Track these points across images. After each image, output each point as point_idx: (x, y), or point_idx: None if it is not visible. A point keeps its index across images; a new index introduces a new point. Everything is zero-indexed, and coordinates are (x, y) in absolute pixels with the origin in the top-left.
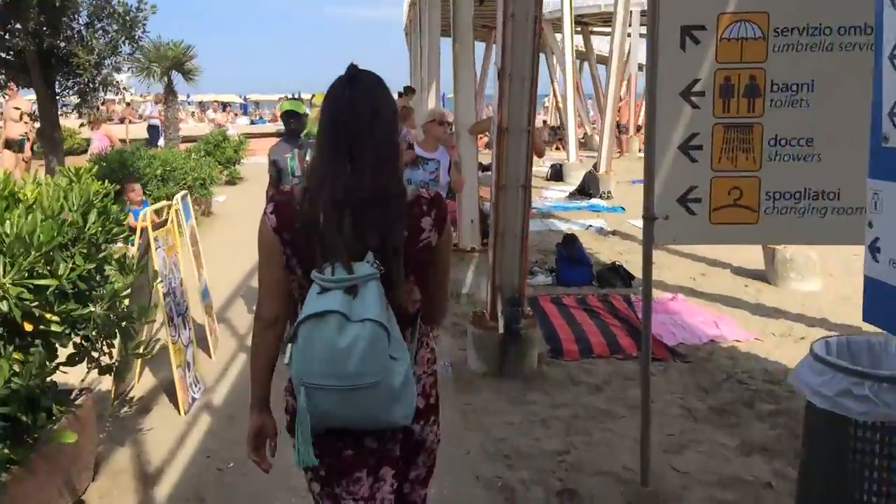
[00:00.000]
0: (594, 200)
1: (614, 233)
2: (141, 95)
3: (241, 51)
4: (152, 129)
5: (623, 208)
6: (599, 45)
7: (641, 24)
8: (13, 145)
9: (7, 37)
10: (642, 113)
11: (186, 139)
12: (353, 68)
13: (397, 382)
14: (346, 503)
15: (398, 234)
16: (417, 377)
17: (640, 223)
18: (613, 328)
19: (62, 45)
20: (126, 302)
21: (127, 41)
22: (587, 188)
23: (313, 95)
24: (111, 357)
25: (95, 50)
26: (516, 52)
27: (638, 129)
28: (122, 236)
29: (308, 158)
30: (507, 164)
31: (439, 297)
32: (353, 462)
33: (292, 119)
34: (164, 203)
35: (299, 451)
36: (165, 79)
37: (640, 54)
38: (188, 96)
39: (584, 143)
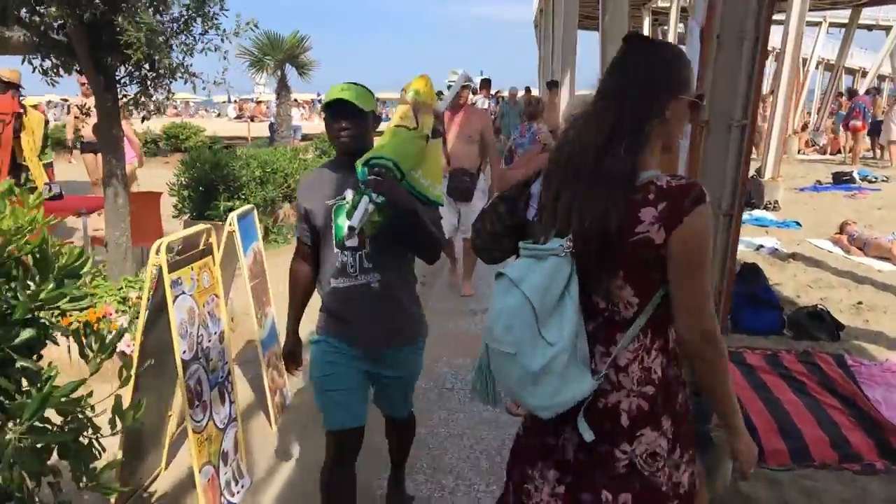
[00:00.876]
0: (758, 212)
1: (794, 256)
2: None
3: (354, 48)
4: (273, 127)
5: (798, 223)
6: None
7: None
8: (95, 147)
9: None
10: (804, 110)
11: (307, 137)
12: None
13: (535, 366)
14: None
15: (600, 218)
16: (619, 387)
17: (826, 244)
18: (832, 412)
19: (115, 18)
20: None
21: (199, 18)
22: (749, 196)
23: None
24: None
25: (143, 26)
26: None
27: (804, 127)
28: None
29: (373, 207)
30: (705, 175)
31: (681, 313)
32: (526, 446)
33: (343, 122)
34: (201, 227)
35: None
36: (279, 73)
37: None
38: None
39: None
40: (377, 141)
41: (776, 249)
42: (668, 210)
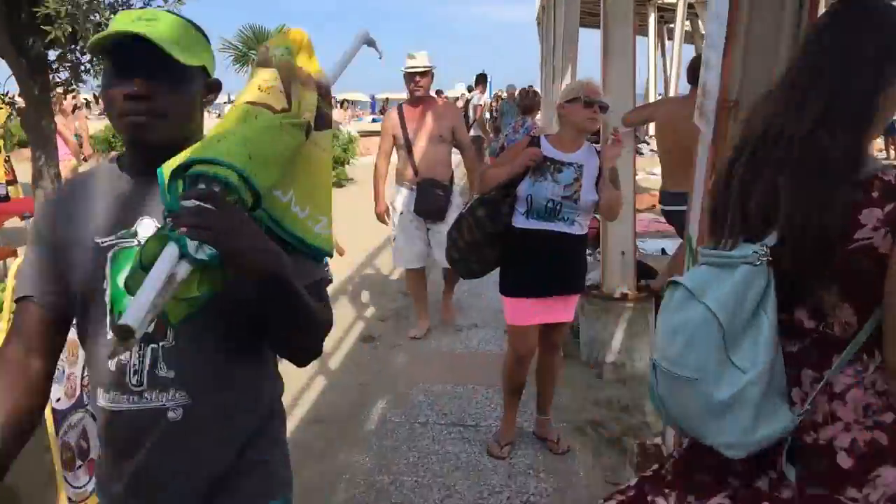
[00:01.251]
0: None
1: None
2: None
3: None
4: None
5: None
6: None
7: None
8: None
9: None
10: None
11: None
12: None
13: (724, 395)
14: None
15: (817, 218)
16: (833, 419)
17: None
18: None
19: None
20: None
21: None
22: None
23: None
24: None
25: None
26: None
27: None
28: None
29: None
30: None
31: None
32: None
33: (136, 82)
34: None
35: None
36: None
37: None
38: None
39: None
40: (211, 129)
41: None
42: (894, 209)
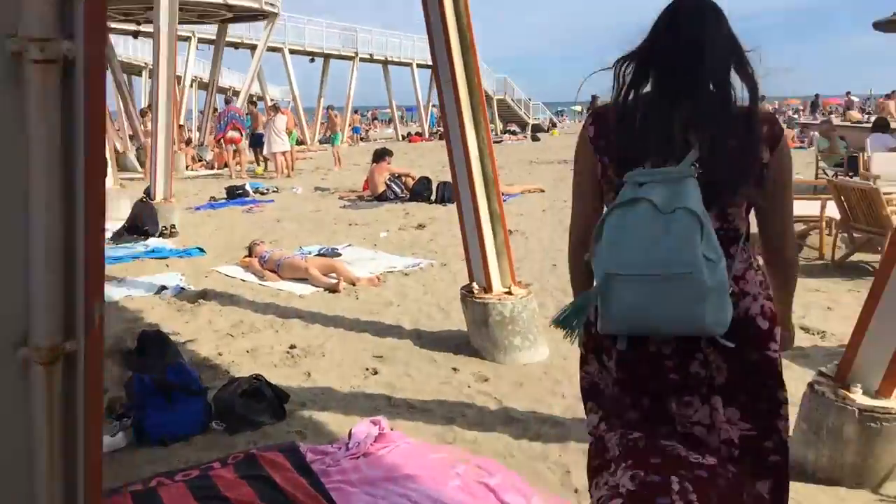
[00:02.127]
0: (155, 241)
1: (204, 294)
2: None
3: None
4: None
5: (202, 249)
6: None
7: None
8: None
9: None
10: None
11: None
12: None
13: (709, 282)
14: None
15: (728, 141)
16: (743, 294)
17: (237, 272)
18: None
19: None
20: None
21: None
22: (141, 224)
23: None
24: None
25: None
26: None
27: (188, 142)
28: None
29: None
30: None
31: (777, 224)
32: (679, 385)
33: None
34: None
35: (566, 312)
36: None
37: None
38: None
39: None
40: None
41: (182, 289)
42: (769, 132)
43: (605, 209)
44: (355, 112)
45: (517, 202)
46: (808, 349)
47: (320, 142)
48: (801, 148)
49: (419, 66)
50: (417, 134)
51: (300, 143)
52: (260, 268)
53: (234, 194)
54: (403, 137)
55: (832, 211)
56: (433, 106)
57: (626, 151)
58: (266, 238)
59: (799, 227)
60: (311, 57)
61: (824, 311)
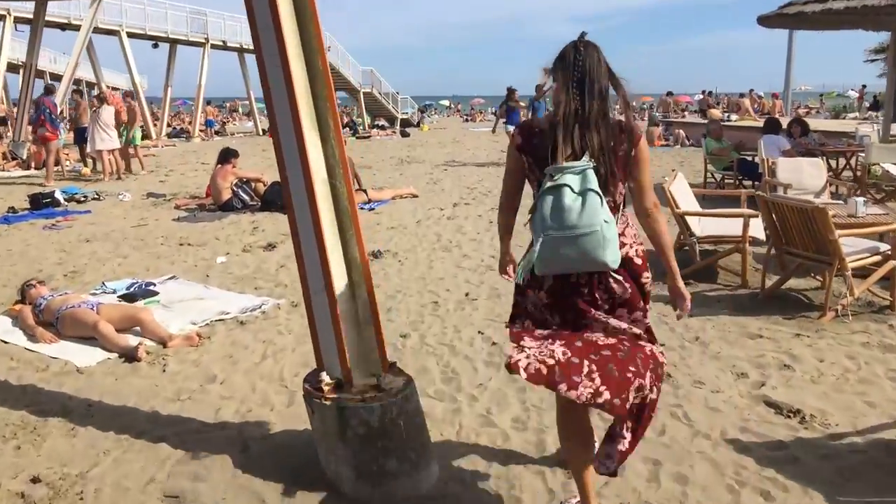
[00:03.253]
0: None
1: None
2: None
3: None
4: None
5: None
6: None
7: None
8: None
9: None
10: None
11: None
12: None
13: (608, 235)
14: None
15: (608, 143)
16: (622, 244)
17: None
18: None
19: None
20: None
21: None
22: None
23: None
24: None
25: None
26: None
27: None
28: None
29: None
30: None
31: (645, 192)
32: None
33: None
34: None
35: (520, 271)
36: None
37: None
38: None
39: None
40: None
41: None
42: (633, 135)
43: (537, 193)
44: (208, 103)
45: (388, 210)
46: (790, 445)
47: (168, 136)
48: (666, 146)
49: None
50: None
51: (145, 137)
52: (32, 321)
53: (40, 204)
54: (264, 132)
55: (756, 230)
56: None
57: (546, 152)
58: (67, 266)
59: (723, 247)
60: (154, 42)
61: (783, 370)
